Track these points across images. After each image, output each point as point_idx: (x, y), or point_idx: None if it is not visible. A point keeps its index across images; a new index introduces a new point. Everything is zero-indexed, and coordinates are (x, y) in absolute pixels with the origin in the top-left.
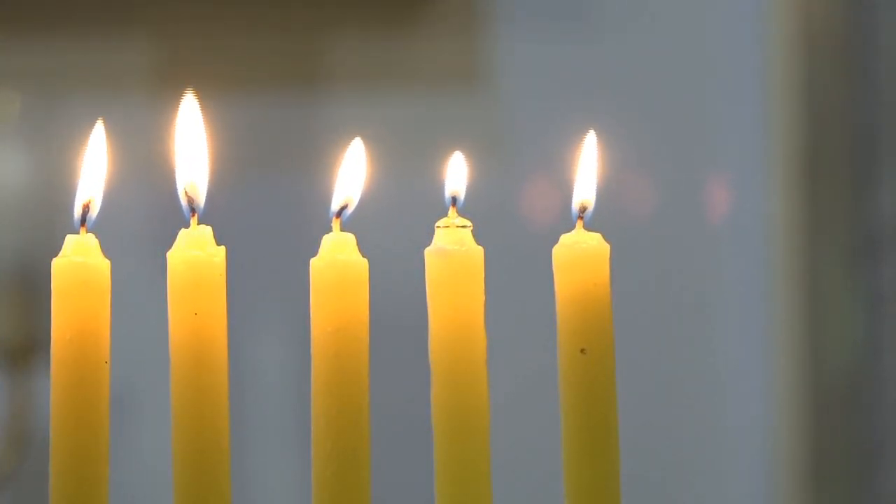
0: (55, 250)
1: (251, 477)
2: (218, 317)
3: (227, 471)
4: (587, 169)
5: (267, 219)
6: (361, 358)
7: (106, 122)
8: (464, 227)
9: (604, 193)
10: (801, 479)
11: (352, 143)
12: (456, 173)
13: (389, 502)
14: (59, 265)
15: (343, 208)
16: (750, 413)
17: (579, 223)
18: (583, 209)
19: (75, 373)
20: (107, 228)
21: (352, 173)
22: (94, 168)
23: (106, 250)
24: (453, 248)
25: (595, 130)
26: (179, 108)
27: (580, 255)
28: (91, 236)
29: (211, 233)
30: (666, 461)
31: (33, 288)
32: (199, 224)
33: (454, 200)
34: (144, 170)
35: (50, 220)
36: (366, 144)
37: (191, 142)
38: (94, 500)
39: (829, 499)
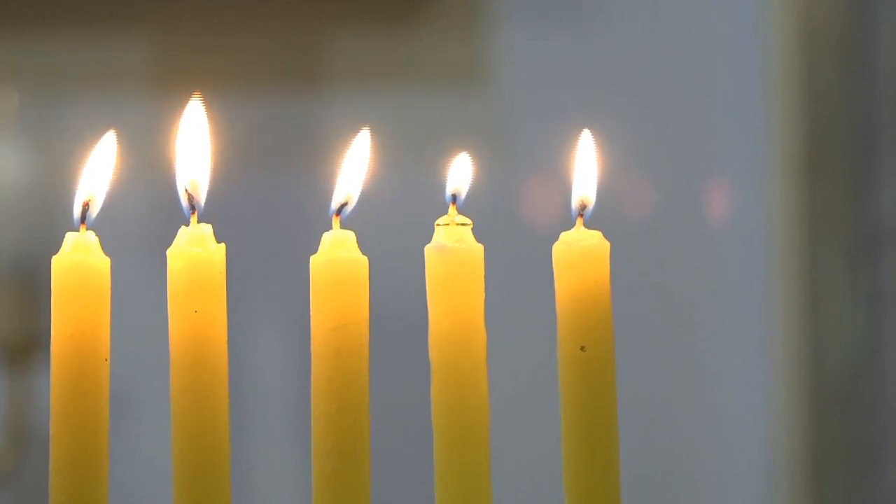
0: (55, 248)
1: (251, 475)
2: (218, 314)
3: (226, 469)
4: (587, 167)
5: (267, 216)
6: (361, 356)
7: (105, 120)
8: (464, 224)
9: (604, 191)
10: (801, 478)
11: (359, 134)
12: (456, 171)
13: (389, 501)
14: (58, 263)
15: (343, 206)
16: (750, 412)
17: (579, 221)
18: (583, 207)
19: (75, 370)
20: (107, 226)
21: (352, 170)
22: (95, 166)
23: (106, 248)
24: (453, 245)
25: (595, 128)
26: (183, 109)
27: (580, 253)
28: (91, 234)
29: (211, 230)
30: (666, 459)
31: (33, 286)
32: (198, 222)
33: (454, 198)
34: (144, 168)
35: (49, 217)
36: (366, 142)
37: (192, 140)
38: (94, 498)
39: (829, 498)
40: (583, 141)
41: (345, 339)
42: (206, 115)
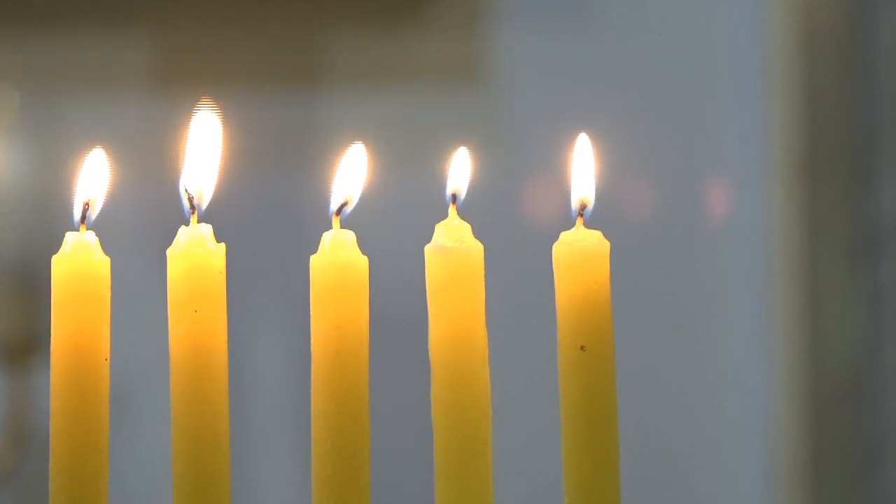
0: (55, 248)
1: (251, 475)
2: (218, 314)
3: (227, 469)
4: (587, 167)
5: (267, 216)
6: (361, 356)
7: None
8: (464, 224)
9: (604, 191)
10: (801, 478)
11: (351, 148)
12: (457, 170)
13: (389, 501)
14: (58, 262)
15: (343, 206)
16: (750, 413)
17: (579, 221)
18: (582, 207)
19: (75, 370)
20: (106, 226)
21: (352, 172)
22: (94, 168)
23: (106, 248)
24: (453, 245)
25: (594, 128)
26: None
27: (580, 253)
28: (91, 234)
29: (211, 230)
30: (665, 460)
31: (33, 285)
32: (198, 222)
33: (454, 198)
34: (144, 168)
35: (49, 217)
36: (365, 142)
37: (196, 143)
38: (94, 497)
39: (829, 497)
40: (582, 142)
41: (345, 340)
42: (214, 120)
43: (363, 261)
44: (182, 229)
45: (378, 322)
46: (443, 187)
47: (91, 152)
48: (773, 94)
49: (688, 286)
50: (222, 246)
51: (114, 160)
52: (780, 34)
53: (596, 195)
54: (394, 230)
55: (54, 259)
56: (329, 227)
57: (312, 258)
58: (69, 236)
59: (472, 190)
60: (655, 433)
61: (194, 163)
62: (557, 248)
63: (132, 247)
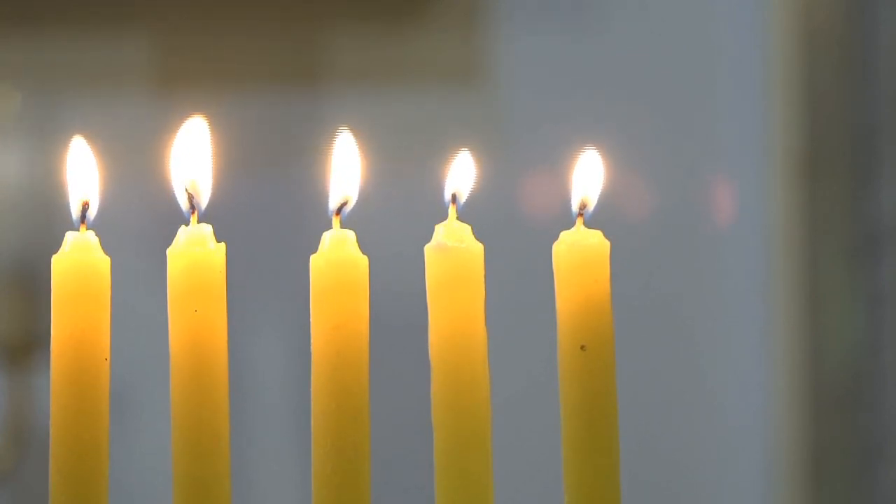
0: (55, 247)
1: (251, 473)
2: (218, 314)
3: (226, 469)
4: (587, 167)
5: (267, 216)
6: (361, 355)
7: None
8: (464, 224)
9: (604, 191)
10: (801, 478)
11: (340, 137)
12: (457, 171)
13: (389, 500)
14: (58, 262)
15: (343, 205)
16: (750, 413)
17: (579, 221)
18: (583, 207)
19: (75, 370)
20: (107, 226)
21: (347, 169)
22: (86, 168)
23: (106, 247)
24: (453, 244)
25: (594, 128)
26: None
27: (580, 253)
28: (91, 233)
29: (211, 230)
30: (665, 460)
31: (33, 285)
32: (198, 222)
33: (454, 198)
34: (144, 167)
35: (50, 217)
36: (366, 142)
37: (191, 140)
38: (94, 497)
39: (829, 497)
40: (583, 143)
41: (345, 339)
42: (205, 124)
43: (363, 260)
44: (182, 229)
45: (378, 322)
46: (443, 187)
47: (78, 149)
48: (773, 94)
49: (688, 286)
50: (222, 246)
51: (113, 159)
52: (780, 34)
53: (596, 195)
54: (394, 230)
55: (54, 259)
56: (329, 226)
57: (312, 258)
58: (69, 236)
59: (472, 190)
60: (655, 433)
61: (194, 163)
62: (557, 249)
63: (132, 247)
